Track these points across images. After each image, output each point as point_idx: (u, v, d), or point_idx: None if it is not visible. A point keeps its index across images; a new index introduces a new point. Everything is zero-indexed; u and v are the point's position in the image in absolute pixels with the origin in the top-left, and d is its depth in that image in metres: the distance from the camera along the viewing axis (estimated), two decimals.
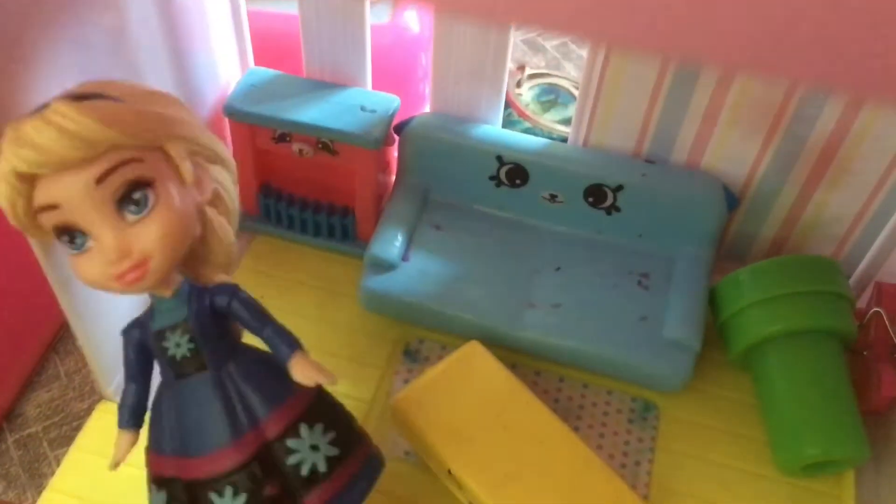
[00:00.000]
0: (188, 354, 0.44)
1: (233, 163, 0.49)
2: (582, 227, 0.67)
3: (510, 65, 0.67)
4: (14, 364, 0.70)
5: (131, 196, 0.40)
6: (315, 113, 0.64)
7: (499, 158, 0.65)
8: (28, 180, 0.39)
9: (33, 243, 0.49)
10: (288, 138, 0.65)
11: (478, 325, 0.63)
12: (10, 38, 0.43)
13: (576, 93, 0.91)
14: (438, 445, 0.55)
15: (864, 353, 0.62)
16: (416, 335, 0.67)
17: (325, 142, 0.65)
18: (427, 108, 0.69)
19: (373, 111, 0.64)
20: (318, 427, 0.46)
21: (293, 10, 0.65)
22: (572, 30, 0.21)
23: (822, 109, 0.58)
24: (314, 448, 0.45)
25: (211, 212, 0.45)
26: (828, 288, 0.60)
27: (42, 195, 0.39)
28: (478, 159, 0.66)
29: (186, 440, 0.45)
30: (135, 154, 0.40)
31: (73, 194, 0.39)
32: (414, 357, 0.66)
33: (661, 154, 0.65)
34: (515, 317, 0.63)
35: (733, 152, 0.63)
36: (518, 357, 0.65)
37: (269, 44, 0.74)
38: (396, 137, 0.67)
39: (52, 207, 0.39)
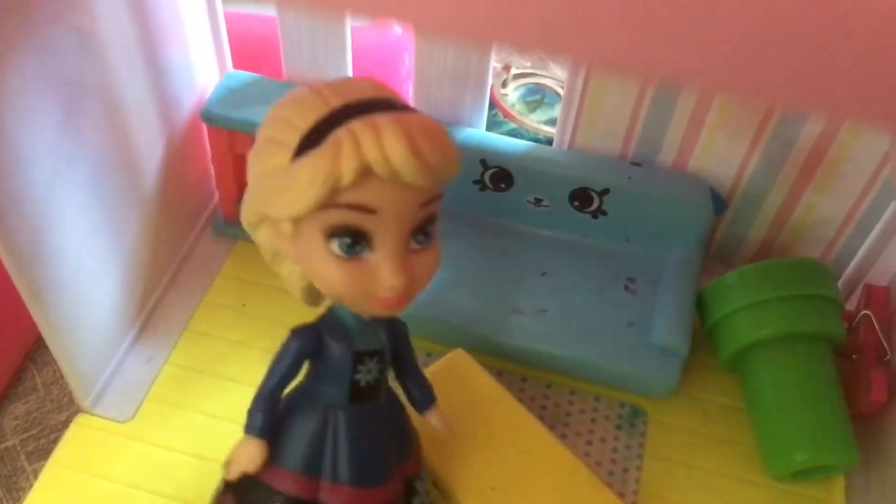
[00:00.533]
0: (373, 383, 0.44)
1: None
2: (568, 231, 0.66)
3: (495, 64, 0.66)
4: None
5: (426, 227, 0.40)
6: None
7: (483, 162, 0.64)
8: (363, 174, 0.36)
9: (4, 254, 0.48)
10: None
11: (463, 331, 0.62)
12: None
13: (562, 93, 0.90)
14: (423, 456, 0.54)
15: (854, 356, 0.62)
16: None
17: None
18: None
19: None
20: (425, 472, 0.49)
21: (271, 11, 0.63)
22: (551, 49, 0.20)
23: (808, 113, 0.57)
24: (427, 492, 0.49)
25: None
26: (817, 291, 0.59)
27: (366, 195, 0.37)
28: (463, 163, 0.64)
29: (343, 466, 0.44)
30: (442, 190, 0.40)
31: (397, 208, 0.38)
32: None
33: (648, 156, 0.64)
34: (501, 323, 0.62)
35: (721, 154, 0.62)
36: (504, 364, 0.64)
37: (246, 46, 0.72)
38: None
39: (368, 210, 0.37)
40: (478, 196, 0.66)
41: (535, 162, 0.64)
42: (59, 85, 0.49)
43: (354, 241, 0.38)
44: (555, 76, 0.95)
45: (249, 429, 0.44)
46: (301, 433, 0.44)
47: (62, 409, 0.68)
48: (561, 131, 0.65)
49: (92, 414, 0.61)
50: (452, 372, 0.58)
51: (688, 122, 0.61)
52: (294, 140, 0.37)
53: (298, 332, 0.44)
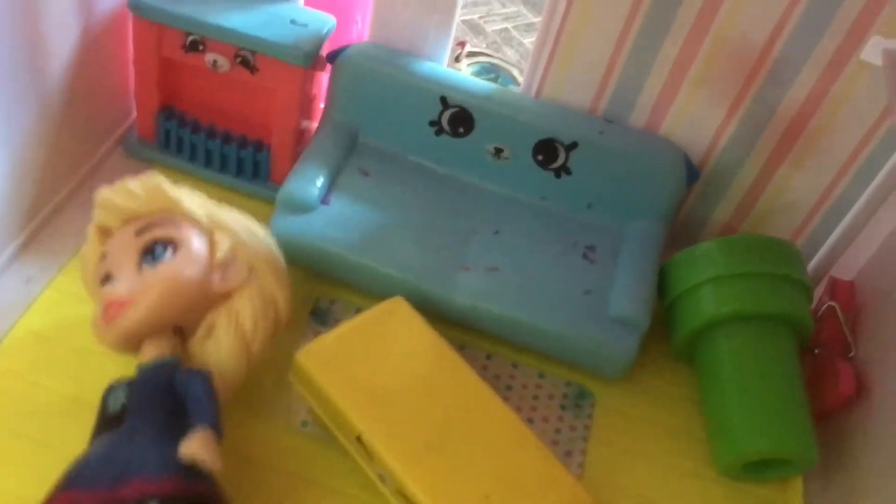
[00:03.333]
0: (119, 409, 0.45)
1: (282, 291, 0.50)
2: (527, 189, 0.60)
3: (458, 17, 0.60)
4: None
5: (152, 249, 0.46)
6: (237, 19, 0.55)
7: (443, 100, 0.58)
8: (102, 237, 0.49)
9: None
10: (201, 47, 0.56)
11: (402, 282, 0.55)
12: None
13: (517, 75, 0.86)
14: (347, 407, 0.46)
15: (816, 351, 0.58)
16: (328, 294, 0.58)
17: (246, 54, 0.56)
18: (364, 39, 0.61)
19: (304, 26, 0.56)
20: None
21: None
22: None
23: (797, 73, 0.54)
24: None
25: (226, 318, 0.47)
26: (788, 273, 0.55)
27: (101, 247, 0.49)
28: (419, 99, 0.58)
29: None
30: (167, 218, 0.48)
31: (117, 244, 0.47)
32: (322, 318, 0.57)
33: (620, 113, 0.59)
34: (446, 277, 0.55)
35: (697, 117, 0.58)
36: (442, 327, 0.57)
37: None
38: (328, 65, 0.59)
39: (103, 256, 0.48)
40: (433, 140, 0.60)
41: (501, 106, 0.58)
42: None
43: (106, 279, 0.47)
44: (509, 59, 0.91)
45: None
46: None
47: None
48: (529, 77, 0.59)
49: None
50: (388, 320, 0.51)
51: (667, 76, 0.56)
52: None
53: None
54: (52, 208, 0.58)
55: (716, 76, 0.55)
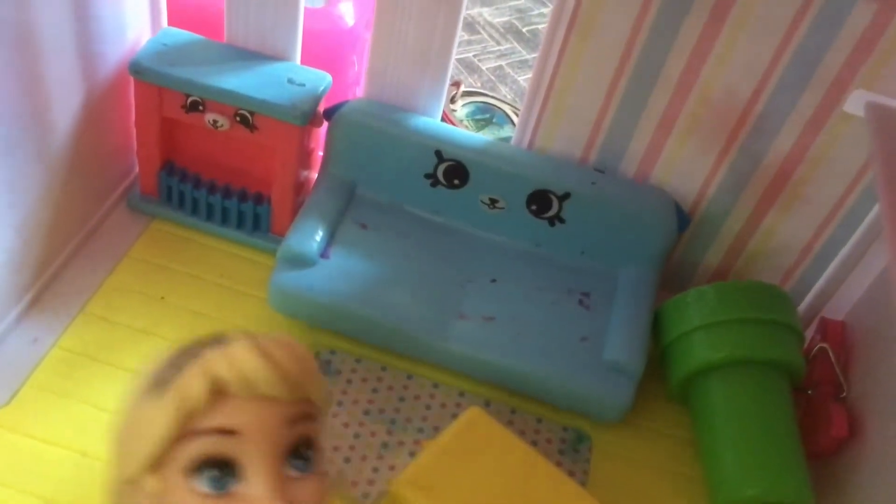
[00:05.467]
0: None
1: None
2: (521, 238, 0.62)
3: (451, 73, 0.62)
4: None
5: (301, 451, 0.35)
6: (236, 80, 0.57)
7: (438, 154, 0.60)
8: (216, 394, 0.33)
9: None
10: (201, 108, 0.58)
11: (401, 333, 0.56)
12: None
13: (512, 115, 0.87)
14: None
15: (809, 392, 0.59)
16: (328, 344, 0.59)
17: (245, 114, 0.57)
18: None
19: (301, 85, 0.58)
20: None
21: None
22: None
23: (782, 125, 0.55)
24: None
25: None
26: (779, 318, 0.57)
27: (223, 416, 0.33)
28: (415, 153, 0.60)
29: None
30: (317, 413, 0.36)
31: (260, 423, 0.34)
32: (324, 369, 0.58)
33: (611, 163, 0.60)
34: (443, 327, 0.56)
35: (686, 166, 0.59)
36: (441, 374, 0.59)
37: (183, 11, 0.66)
38: (325, 122, 0.61)
39: (228, 432, 0.33)
40: (429, 192, 0.61)
41: (495, 159, 0.60)
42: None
43: (221, 472, 0.34)
44: (504, 98, 0.92)
45: None
46: None
47: None
48: (521, 129, 0.61)
49: None
50: (472, 432, 0.50)
51: (655, 127, 0.58)
52: (143, 386, 0.34)
53: None
54: (58, 266, 0.59)
55: (702, 128, 0.56)
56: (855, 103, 0.52)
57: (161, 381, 0.34)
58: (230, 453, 0.34)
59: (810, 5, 0.50)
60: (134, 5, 0.59)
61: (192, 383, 0.33)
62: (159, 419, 0.33)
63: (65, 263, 0.59)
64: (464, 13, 0.56)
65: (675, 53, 0.54)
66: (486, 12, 1.08)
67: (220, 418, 0.33)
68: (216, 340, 0.35)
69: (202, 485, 0.33)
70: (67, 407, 0.53)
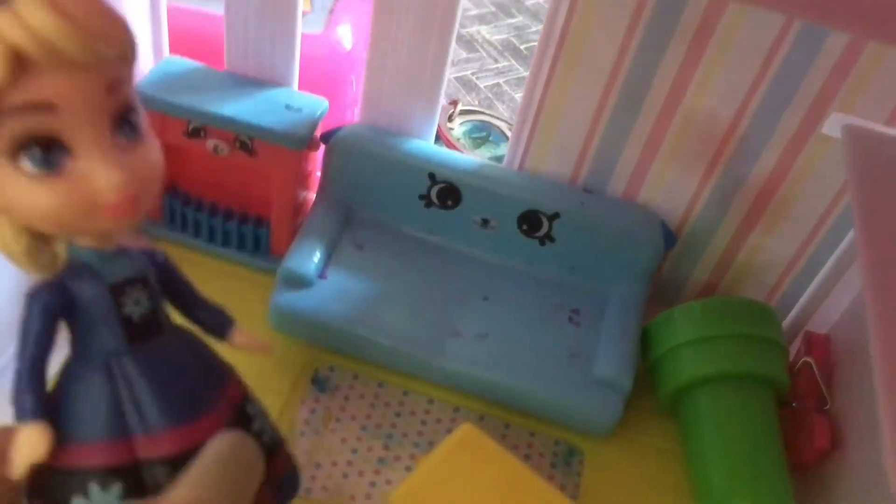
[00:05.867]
0: (147, 314, 0.38)
1: None
2: (513, 256, 0.64)
3: (442, 99, 0.64)
4: None
5: (127, 117, 0.33)
6: (235, 107, 0.59)
7: (431, 176, 0.61)
8: (19, 66, 0.30)
9: None
10: (202, 133, 0.60)
11: (397, 351, 0.58)
12: None
13: (508, 133, 0.89)
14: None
15: (794, 404, 0.60)
16: (327, 362, 0.61)
17: (244, 139, 0.59)
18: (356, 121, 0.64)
19: (298, 110, 0.60)
20: (252, 396, 0.42)
21: (213, 8, 0.60)
22: None
23: (763, 146, 0.57)
24: (264, 414, 0.42)
25: None
26: (764, 333, 0.58)
27: (35, 90, 0.31)
28: (409, 176, 0.62)
29: (151, 412, 0.37)
30: (128, 74, 0.33)
31: (78, 95, 0.31)
32: (322, 385, 0.60)
33: (599, 184, 0.62)
34: (439, 345, 0.58)
35: (672, 186, 0.61)
36: (436, 391, 0.60)
37: (185, 41, 0.68)
38: (322, 145, 0.63)
39: (43, 108, 0.31)
40: (422, 212, 0.63)
41: (486, 181, 0.61)
42: None
43: (45, 149, 0.32)
44: (501, 116, 0.94)
45: (20, 414, 0.36)
46: (89, 397, 0.37)
47: None
48: (512, 151, 0.63)
49: None
50: (465, 449, 0.51)
51: (642, 149, 0.59)
52: None
53: (35, 292, 0.37)
54: None
55: (687, 149, 0.58)
56: (832, 126, 0.54)
57: None
58: (51, 129, 0.32)
59: (788, 32, 0.52)
60: (139, 35, 0.60)
61: None
62: None
63: None
64: (454, 44, 0.58)
65: (658, 79, 0.56)
66: (484, 30, 1.10)
67: (30, 92, 0.31)
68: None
69: (27, 164, 0.32)
70: None
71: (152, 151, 0.35)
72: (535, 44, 0.58)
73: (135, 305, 0.37)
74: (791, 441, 0.58)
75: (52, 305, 0.36)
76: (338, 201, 0.63)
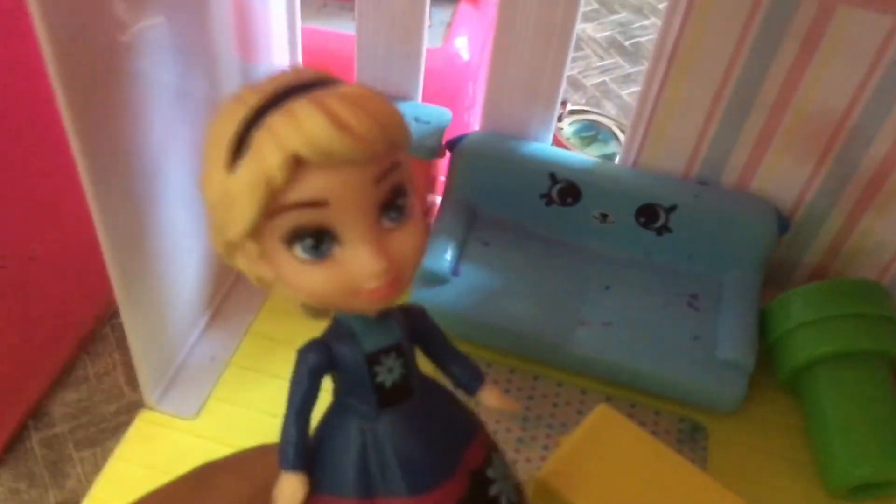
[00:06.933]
0: (399, 380, 0.40)
1: None
2: (632, 247, 0.67)
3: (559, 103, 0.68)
4: (44, 362, 0.68)
5: (395, 202, 0.35)
6: None
7: (552, 176, 0.66)
8: (295, 169, 0.33)
9: (103, 236, 0.48)
10: None
11: (531, 340, 0.63)
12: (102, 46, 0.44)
13: (616, 131, 0.92)
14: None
15: None
16: (463, 349, 0.66)
17: None
18: (476, 129, 0.69)
19: (427, 122, 0.65)
20: (499, 456, 0.44)
21: (345, 28, 0.65)
22: None
23: (875, 134, 0.59)
24: (505, 477, 0.44)
25: None
26: (877, 311, 0.61)
27: (308, 189, 0.33)
28: (530, 177, 0.66)
29: (395, 476, 0.40)
30: (400, 157, 0.36)
31: (347, 191, 0.34)
32: None
33: (713, 176, 0.66)
34: (567, 333, 0.63)
35: (784, 176, 0.64)
36: (563, 375, 0.65)
37: (314, 61, 0.74)
38: (448, 152, 0.68)
39: (317, 204, 0.34)
40: (544, 210, 0.68)
41: (604, 178, 0.66)
42: (171, 93, 0.52)
43: (317, 239, 0.35)
44: (608, 114, 0.97)
45: (283, 463, 0.41)
46: (342, 454, 0.41)
47: (112, 400, 0.68)
48: (627, 149, 0.67)
49: (157, 410, 0.61)
50: (603, 430, 0.55)
51: (753, 144, 0.63)
52: (222, 155, 0.34)
53: (304, 351, 0.41)
54: (227, 289, 0.68)
55: (799, 141, 0.61)
56: None
57: (237, 151, 0.34)
58: (323, 222, 0.34)
59: None
60: (280, 63, 0.67)
61: (271, 163, 0.33)
62: (246, 201, 0.33)
63: (233, 285, 0.68)
64: (571, 51, 0.62)
65: (771, 76, 0.58)
66: (588, 28, 1.13)
67: (305, 191, 0.33)
68: (277, 97, 0.34)
69: (300, 252, 0.35)
70: (247, 415, 0.61)
71: (416, 233, 0.37)
72: (640, 39, 0.61)
73: (388, 373, 0.40)
74: None
75: (317, 365, 0.40)
76: (464, 203, 0.68)
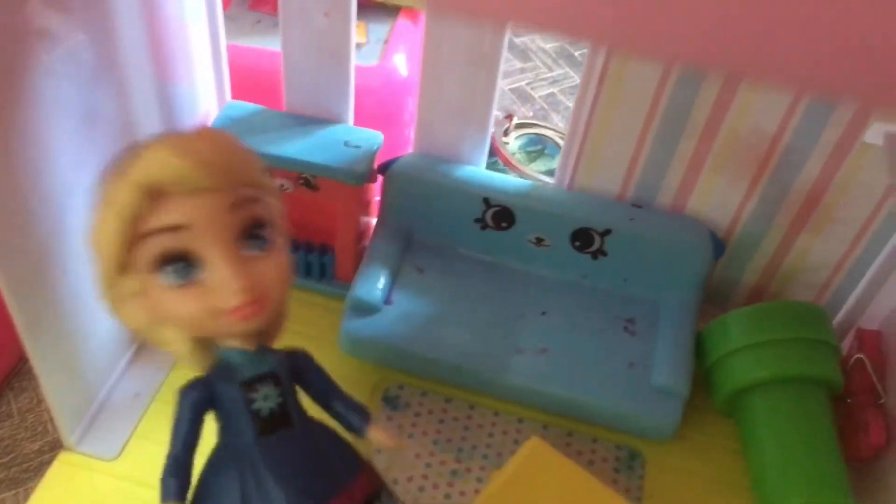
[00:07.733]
0: (276, 409, 0.42)
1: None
2: (567, 271, 0.66)
3: (498, 113, 0.66)
4: None
5: (255, 232, 0.39)
6: (297, 147, 0.62)
7: (485, 201, 0.64)
8: (153, 197, 0.37)
9: (4, 282, 0.46)
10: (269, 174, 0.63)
11: (463, 369, 0.61)
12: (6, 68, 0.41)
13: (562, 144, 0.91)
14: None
15: (848, 400, 0.62)
16: (396, 380, 0.65)
17: (307, 177, 0.63)
18: (411, 150, 0.68)
19: (357, 146, 0.63)
20: (388, 494, 0.45)
21: (271, 45, 0.63)
22: (568, 30, 0.20)
23: (807, 156, 0.59)
24: None
25: None
26: (814, 335, 0.60)
27: (166, 215, 0.37)
28: (464, 201, 0.65)
29: (278, 502, 0.41)
30: (260, 193, 0.40)
31: (203, 215, 0.37)
32: (394, 403, 0.64)
33: (647, 198, 0.65)
34: (502, 362, 0.61)
35: (719, 198, 0.63)
36: (500, 404, 0.64)
37: (245, 79, 0.72)
38: (379, 176, 0.66)
39: (175, 228, 0.37)
40: (479, 234, 0.66)
41: (538, 202, 0.64)
42: (77, 114, 0.49)
43: (180, 264, 0.38)
44: (556, 127, 0.96)
45: (165, 496, 0.42)
46: (223, 486, 0.42)
47: (36, 437, 0.66)
48: (561, 171, 0.65)
49: (76, 451, 0.58)
50: (534, 464, 0.54)
51: (687, 165, 0.62)
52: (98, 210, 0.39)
53: (184, 388, 0.43)
54: None
55: (732, 163, 0.60)
56: (874, 134, 0.56)
57: (103, 196, 0.39)
58: (185, 246, 0.38)
59: None
60: (203, 83, 0.64)
61: (123, 194, 0.37)
62: (108, 230, 0.38)
63: None
64: (500, 77, 0.60)
65: (699, 102, 0.57)
66: (537, 38, 1.11)
67: (163, 217, 0.37)
68: (132, 150, 0.38)
69: (167, 277, 0.38)
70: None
71: (278, 265, 0.40)
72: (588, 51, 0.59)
73: (263, 401, 0.41)
74: (847, 436, 0.60)
75: (198, 400, 0.42)
76: (398, 228, 0.67)
